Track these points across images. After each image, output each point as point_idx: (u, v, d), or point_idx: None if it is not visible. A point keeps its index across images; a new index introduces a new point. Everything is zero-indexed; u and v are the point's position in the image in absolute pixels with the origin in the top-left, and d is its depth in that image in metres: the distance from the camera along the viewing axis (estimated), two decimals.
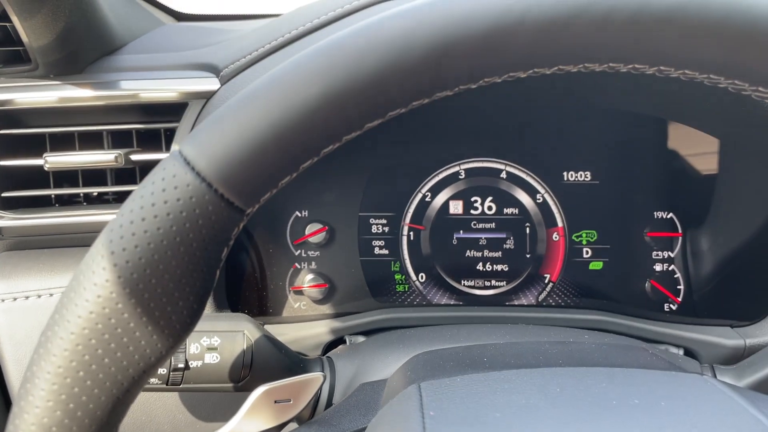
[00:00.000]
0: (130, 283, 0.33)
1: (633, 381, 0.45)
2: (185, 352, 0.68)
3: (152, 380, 0.67)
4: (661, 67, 0.34)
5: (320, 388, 0.72)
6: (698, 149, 0.99)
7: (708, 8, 0.32)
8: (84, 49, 0.90)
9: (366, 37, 0.33)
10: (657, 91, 0.89)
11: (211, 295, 0.87)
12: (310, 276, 1.01)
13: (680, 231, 1.01)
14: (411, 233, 1.03)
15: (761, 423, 0.37)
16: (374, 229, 1.04)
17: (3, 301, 0.87)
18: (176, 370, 0.67)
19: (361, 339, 0.91)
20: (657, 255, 1.01)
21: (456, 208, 1.03)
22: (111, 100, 0.88)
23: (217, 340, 0.69)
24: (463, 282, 1.03)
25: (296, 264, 1.03)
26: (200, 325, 0.70)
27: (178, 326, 0.36)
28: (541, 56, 0.33)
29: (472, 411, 0.39)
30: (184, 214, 0.33)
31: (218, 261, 0.37)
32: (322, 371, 0.74)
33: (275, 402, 0.49)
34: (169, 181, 0.34)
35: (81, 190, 0.90)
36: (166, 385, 0.68)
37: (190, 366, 0.68)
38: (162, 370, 0.67)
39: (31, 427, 0.34)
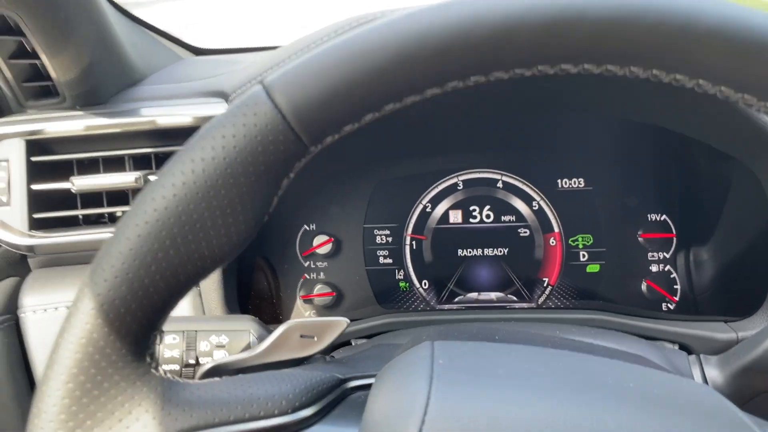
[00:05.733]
0: (203, 189, 0.38)
1: (633, 373, 0.45)
2: (195, 349, 0.73)
3: (168, 376, 0.73)
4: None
5: None
6: (688, 154, 1.02)
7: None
8: (106, 82, 0.99)
9: (433, 16, 0.38)
10: (646, 99, 0.92)
11: (223, 296, 0.91)
12: (319, 285, 1.07)
13: (674, 232, 1.04)
14: (413, 243, 1.09)
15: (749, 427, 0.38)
16: (378, 239, 1.09)
17: (35, 312, 0.95)
18: (188, 366, 0.73)
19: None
20: (653, 256, 1.04)
21: (455, 217, 1.08)
22: (131, 126, 0.96)
23: (225, 338, 0.75)
24: (464, 287, 1.08)
25: (306, 275, 1.08)
26: (209, 325, 0.77)
27: (235, 238, 0.40)
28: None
29: (479, 365, 0.42)
30: (258, 138, 0.38)
31: (277, 188, 0.41)
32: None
33: (300, 336, 0.54)
34: (251, 107, 0.39)
35: (105, 210, 0.98)
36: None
37: (201, 363, 0.73)
38: (174, 367, 0.73)
39: (98, 297, 0.38)
